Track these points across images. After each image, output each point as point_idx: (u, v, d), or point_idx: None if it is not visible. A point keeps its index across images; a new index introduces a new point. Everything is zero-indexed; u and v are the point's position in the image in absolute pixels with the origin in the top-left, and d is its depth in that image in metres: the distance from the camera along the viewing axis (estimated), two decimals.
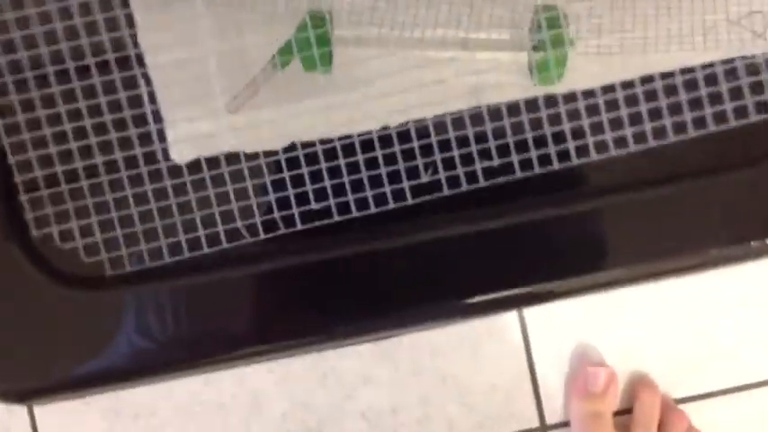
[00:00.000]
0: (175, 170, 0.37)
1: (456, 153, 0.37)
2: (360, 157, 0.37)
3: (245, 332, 0.37)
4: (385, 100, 0.37)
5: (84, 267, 0.37)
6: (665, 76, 0.38)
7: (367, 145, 0.37)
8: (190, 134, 0.37)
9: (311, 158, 0.37)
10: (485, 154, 0.37)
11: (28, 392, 0.37)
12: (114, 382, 0.37)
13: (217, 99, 0.37)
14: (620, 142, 0.37)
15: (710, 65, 0.38)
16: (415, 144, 0.37)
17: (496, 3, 0.37)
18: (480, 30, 0.37)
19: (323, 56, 0.35)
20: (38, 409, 0.43)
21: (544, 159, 0.37)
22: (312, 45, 0.35)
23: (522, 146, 0.37)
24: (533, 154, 0.37)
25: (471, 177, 0.37)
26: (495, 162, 0.37)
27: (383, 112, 0.37)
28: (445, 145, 0.37)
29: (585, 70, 0.38)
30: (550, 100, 0.37)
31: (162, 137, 0.37)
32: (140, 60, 0.37)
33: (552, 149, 0.37)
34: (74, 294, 0.37)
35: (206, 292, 0.37)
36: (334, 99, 0.37)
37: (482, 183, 0.37)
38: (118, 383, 0.37)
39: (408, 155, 0.37)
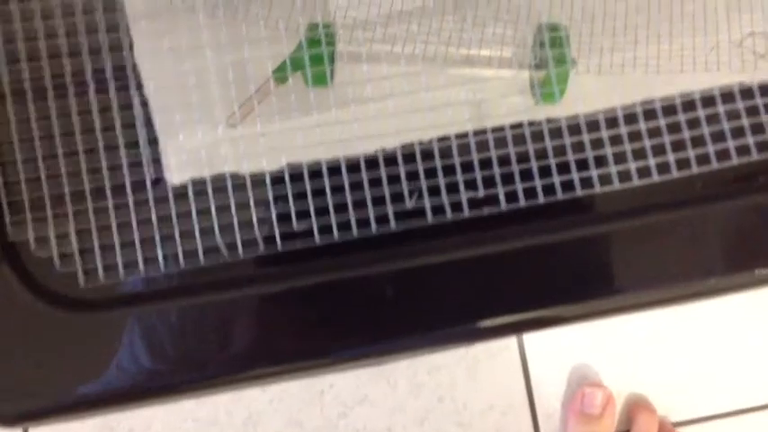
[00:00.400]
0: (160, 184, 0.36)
1: (468, 179, 0.37)
2: (363, 175, 0.36)
3: (240, 356, 0.37)
4: (385, 120, 0.37)
5: (63, 285, 0.36)
6: (666, 112, 0.38)
7: (372, 163, 0.37)
8: (186, 151, 0.37)
9: (296, 179, 0.36)
10: (472, 183, 0.37)
11: (21, 416, 0.36)
12: (109, 406, 0.37)
13: (215, 115, 0.37)
14: (605, 179, 0.37)
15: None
16: (401, 169, 0.37)
17: (499, 21, 0.37)
18: (483, 47, 0.37)
19: (320, 75, 0.35)
20: (32, 429, 0.42)
21: (529, 192, 0.37)
22: (308, 63, 0.35)
23: (508, 178, 0.37)
24: (519, 186, 0.37)
25: (474, 203, 0.37)
26: (481, 193, 0.37)
27: (384, 133, 0.37)
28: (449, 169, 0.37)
29: (586, 90, 0.37)
30: (538, 135, 0.37)
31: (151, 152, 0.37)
32: (134, 69, 0.36)
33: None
34: (67, 316, 0.36)
35: (202, 314, 0.37)
36: (335, 118, 0.37)
37: (493, 211, 0.37)
38: (113, 407, 0.37)
39: (395, 180, 0.36)
